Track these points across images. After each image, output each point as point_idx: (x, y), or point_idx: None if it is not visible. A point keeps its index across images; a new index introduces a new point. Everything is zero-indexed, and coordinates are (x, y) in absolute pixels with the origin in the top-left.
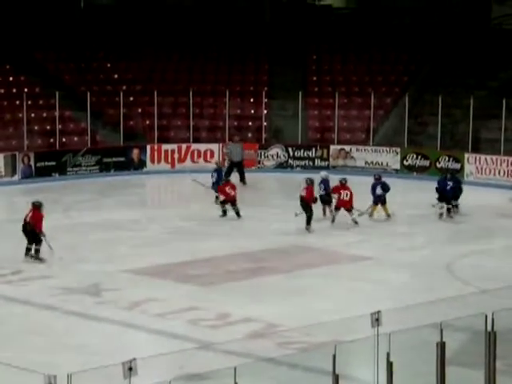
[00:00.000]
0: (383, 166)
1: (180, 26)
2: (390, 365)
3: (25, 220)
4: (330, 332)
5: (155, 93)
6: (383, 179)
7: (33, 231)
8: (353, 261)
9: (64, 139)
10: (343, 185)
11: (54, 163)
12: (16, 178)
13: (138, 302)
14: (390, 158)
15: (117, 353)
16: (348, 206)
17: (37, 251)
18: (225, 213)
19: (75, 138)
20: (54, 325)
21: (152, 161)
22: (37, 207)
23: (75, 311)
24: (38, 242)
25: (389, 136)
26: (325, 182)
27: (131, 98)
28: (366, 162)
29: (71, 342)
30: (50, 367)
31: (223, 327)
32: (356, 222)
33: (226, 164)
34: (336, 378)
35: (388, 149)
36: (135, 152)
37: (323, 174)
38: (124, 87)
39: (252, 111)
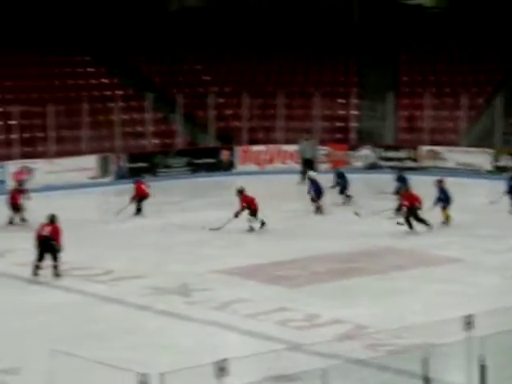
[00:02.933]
0: (475, 167)
1: (270, 28)
2: (482, 368)
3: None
4: (421, 335)
5: (245, 94)
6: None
7: (55, 246)
8: (443, 263)
9: (156, 141)
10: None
11: (145, 164)
12: (109, 178)
13: (228, 302)
14: (482, 159)
15: (208, 353)
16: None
17: (56, 267)
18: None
19: (166, 140)
20: (146, 324)
21: (241, 162)
22: (53, 220)
23: (166, 311)
24: (59, 258)
25: (481, 137)
26: (313, 182)
27: (221, 100)
28: (458, 163)
29: (163, 341)
30: (143, 366)
31: (312, 328)
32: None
33: (298, 161)
34: (427, 381)
35: (480, 150)
36: (225, 153)
37: (311, 174)
38: (214, 89)
39: (341, 112)
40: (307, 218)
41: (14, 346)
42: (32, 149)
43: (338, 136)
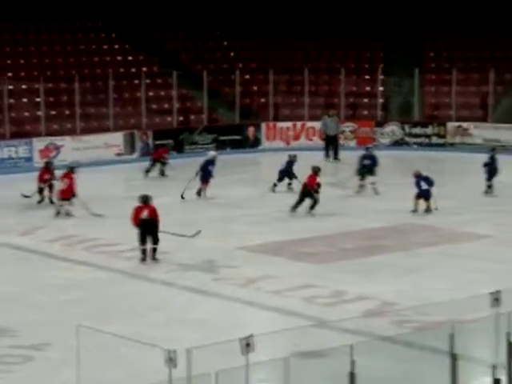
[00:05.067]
0: (502, 142)
1: (296, 4)
2: (510, 345)
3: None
4: (447, 311)
5: (271, 71)
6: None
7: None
8: (470, 239)
9: (181, 118)
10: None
11: (171, 141)
12: (135, 155)
13: (254, 279)
14: (509, 134)
15: (234, 329)
16: None
17: (155, 250)
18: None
19: (192, 117)
20: (172, 300)
21: (267, 138)
22: (147, 201)
23: (192, 287)
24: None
25: (508, 112)
26: (289, 162)
27: (247, 77)
28: (485, 139)
29: (189, 317)
30: (169, 342)
31: (338, 305)
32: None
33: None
34: (454, 358)
35: (507, 125)
36: (251, 130)
37: (292, 154)
38: (240, 65)
39: (367, 88)
40: (333, 194)
41: (42, 322)
42: (58, 126)
43: (364, 112)
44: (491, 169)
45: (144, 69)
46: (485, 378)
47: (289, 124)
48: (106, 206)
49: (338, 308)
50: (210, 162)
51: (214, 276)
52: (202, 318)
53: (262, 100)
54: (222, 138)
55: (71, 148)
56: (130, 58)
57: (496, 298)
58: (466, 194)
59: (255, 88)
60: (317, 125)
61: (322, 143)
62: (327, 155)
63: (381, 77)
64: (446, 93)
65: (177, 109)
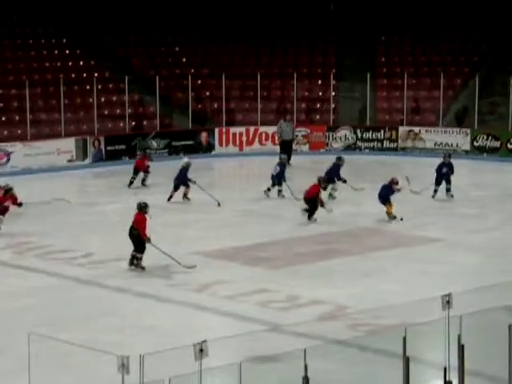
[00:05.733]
0: (453, 147)
1: (247, 9)
2: (461, 347)
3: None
4: (400, 314)
5: (223, 76)
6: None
7: (138, 237)
8: (422, 243)
9: (133, 123)
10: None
11: (124, 147)
12: (87, 161)
13: (208, 284)
14: (459, 139)
15: (188, 334)
16: None
17: (138, 259)
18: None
19: (144, 122)
20: (126, 306)
21: (220, 144)
22: (138, 209)
23: (146, 293)
24: (142, 250)
25: (458, 117)
26: (283, 165)
27: (199, 82)
28: (436, 144)
29: (143, 323)
30: (122, 348)
31: (293, 309)
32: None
33: (277, 142)
34: (406, 361)
35: (458, 130)
36: (204, 135)
37: (186, 160)
38: (192, 70)
39: (320, 93)
40: (288, 199)
41: None
42: (9, 132)
43: (317, 117)
44: (448, 174)
45: (95, 74)
46: (437, 380)
47: (242, 129)
48: (58, 212)
49: (292, 312)
50: (185, 169)
51: (168, 282)
52: (156, 324)
53: (215, 105)
54: (174, 143)
55: (22, 154)
56: (81, 63)
57: (447, 301)
58: (418, 198)
59: (207, 93)
60: (270, 129)
61: (275, 148)
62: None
63: (333, 82)
64: (398, 97)
65: (129, 114)
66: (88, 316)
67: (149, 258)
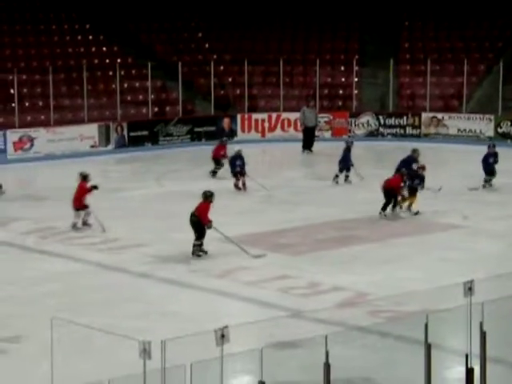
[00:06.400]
0: (476, 133)
1: None
2: (483, 334)
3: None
4: (421, 301)
5: (245, 62)
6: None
7: (198, 223)
8: (444, 229)
9: (156, 109)
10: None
11: (146, 133)
12: (110, 147)
13: (230, 270)
14: (483, 125)
15: (209, 320)
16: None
17: (199, 245)
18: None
19: (167, 108)
20: (148, 292)
21: (242, 130)
22: (204, 197)
23: (168, 279)
24: (201, 236)
25: (482, 103)
26: (240, 157)
27: (222, 68)
28: (459, 130)
29: (165, 309)
30: (145, 333)
31: (313, 296)
32: None
33: (300, 129)
34: (428, 347)
35: (482, 116)
36: (226, 121)
37: (237, 149)
38: (215, 56)
39: (342, 79)
40: (309, 185)
41: (16, 314)
42: (32, 118)
43: (339, 103)
44: (490, 163)
45: (118, 60)
46: (458, 367)
47: (264, 115)
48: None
49: (312, 299)
50: (236, 158)
51: (191, 267)
52: (178, 310)
53: (238, 91)
54: (197, 129)
55: (46, 140)
56: (104, 49)
57: (469, 288)
58: (438, 184)
59: (230, 79)
60: (292, 116)
61: (297, 134)
62: (305, 146)
63: (356, 68)
64: (421, 83)
65: (151, 100)
66: (110, 301)
67: (169, 243)
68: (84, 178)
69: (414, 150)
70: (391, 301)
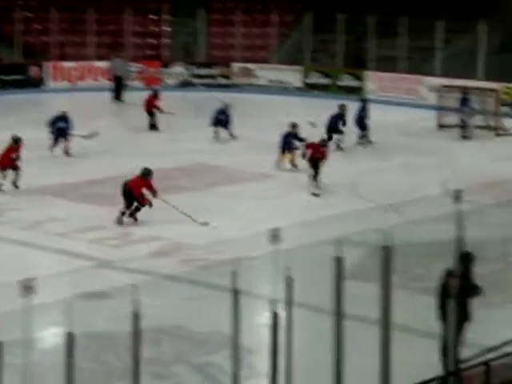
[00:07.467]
0: (285, 84)
1: None
2: (289, 280)
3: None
4: (233, 249)
5: (53, 9)
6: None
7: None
8: (257, 179)
9: None
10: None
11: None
12: None
13: (39, 221)
14: (292, 76)
15: (17, 272)
16: None
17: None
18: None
19: None
20: None
21: (52, 78)
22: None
23: None
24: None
25: (291, 54)
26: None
27: (29, 14)
28: (270, 81)
29: None
30: None
31: (126, 246)
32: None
33: (110, 78)
34: (235, 294)
35: (290, 67)
36: (34, 69)
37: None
38: (20, 2)
39: (153, 28)
40: (122, 135)
41: None
42: None
43: (151, 53)
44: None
45: None
46: (265, 312)
47: (73, 64)
48: None
49: (125, 249)
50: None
51: None
52: None
53: (46, 39)
54: (3, 77)
55: None
56: None
57: (275, 235)
58: (253, 135)
59: (38, 26)
60: (102, 65)
61: (108, 83)
62: (116, 97)
63: (166, 17)
64: (231, 34)
65: None
66: None
67: None
68: None
69: (342, 105)
70: (205, 249)
